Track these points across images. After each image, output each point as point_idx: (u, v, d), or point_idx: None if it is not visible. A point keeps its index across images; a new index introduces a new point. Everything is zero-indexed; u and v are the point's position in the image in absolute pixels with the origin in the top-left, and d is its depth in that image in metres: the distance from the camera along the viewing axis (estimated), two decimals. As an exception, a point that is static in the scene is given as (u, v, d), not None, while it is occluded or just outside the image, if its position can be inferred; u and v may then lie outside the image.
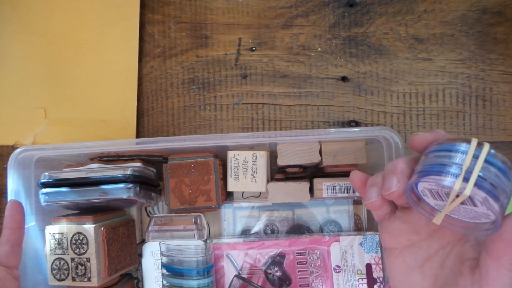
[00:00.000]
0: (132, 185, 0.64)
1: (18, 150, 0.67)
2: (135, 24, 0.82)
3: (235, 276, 0.70)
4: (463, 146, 0.41)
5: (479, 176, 0.39)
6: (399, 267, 0.49)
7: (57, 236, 0.65)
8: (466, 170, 0.39)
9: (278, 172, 0.70)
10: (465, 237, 0.46)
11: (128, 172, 0.64)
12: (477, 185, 0.39)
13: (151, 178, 0.70)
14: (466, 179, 0.39)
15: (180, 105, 0.82)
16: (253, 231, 0.74)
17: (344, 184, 0.66)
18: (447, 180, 0.40)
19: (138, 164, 0.69)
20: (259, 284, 0.70)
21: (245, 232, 0.75)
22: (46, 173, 0.66)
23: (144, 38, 0.83)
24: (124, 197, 0.64)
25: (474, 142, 0.40)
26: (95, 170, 0.66)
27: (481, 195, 0.39)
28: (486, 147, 0.40)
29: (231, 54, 0.82)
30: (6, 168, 0.68)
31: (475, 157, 0.40)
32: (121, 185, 0.64)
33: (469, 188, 0.39)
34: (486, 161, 0.39)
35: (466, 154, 0.40)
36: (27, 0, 0.82)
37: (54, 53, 0.82)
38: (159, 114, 0.82)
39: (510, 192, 0.40)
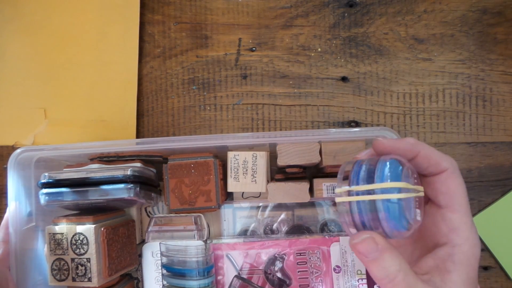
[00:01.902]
0: (132, 185, 0.64)
1: (18, 150, 0.67)
2: (135, 24, 0.82)
3: (235, 276, 0.70)
4: (383, 176, 0.43)
5: (356, 202, 0.44)
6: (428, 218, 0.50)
7: (57, 236, 0.65)
8: (350, 190, 0.44)
9: (278, 172, 0.70)
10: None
11: (128, 172, 0.64)
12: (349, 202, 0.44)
13: (151, 178, 0.70)
14: (350, 194, 0.44)
15: (180, 105, 0.82)
16: (253, 231, 0.74)
17: (344, 184, 0.66)
18: (340, 183, 0.46)
19: (138, 164, 0.69)
20: (259, 284, 0.70)
21: (245, 232, 0.75)
22: (46, 174, 0.66)
23: (144, 38, 0.83)
24: (124, 197, 0.64)
25: (391, 185, 0.42)
26: (95, 170, 0.66)
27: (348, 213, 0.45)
28: (391, 196, 0.42)
29: (231, 54, 0.82)
30: (6, 168, 0.67)
31: (376, 192, 0.43)
32: (121, 185, 0.64)
33: (338, 200, 0.45)
34: (377, 202, 0.43)
35: (372, 182, 0.43)
36: (27, 0, 0.82)
37: (54, 53, 0.82)
38: (159, 114, 0.82)
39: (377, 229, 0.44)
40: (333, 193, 0.66)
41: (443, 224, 0.45)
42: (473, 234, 0.44)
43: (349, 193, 0.44)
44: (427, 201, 0.48)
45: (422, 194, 0.46)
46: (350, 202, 0.44)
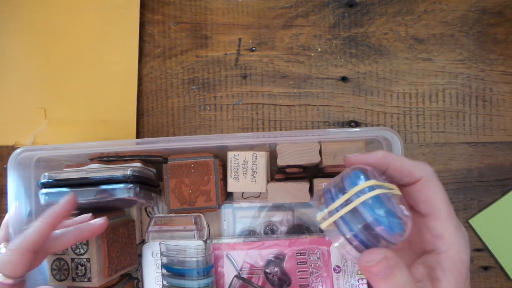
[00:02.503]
0: (132, 185, 0.64)
1: (18, 150, 0.67)
2: (135, 24, 0.82)
3: (235, 276, 0.70)
4: (352, 185, 0.43)
5: (340, 219, 0.43)
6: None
7: (57, 236, 0.65)
8: (330, 210, 0.44)
9: (278, 172, 0.70)
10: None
11: (128, 172, 0.64)
12: (335, 224, 0.43)
13: (151, 178, 0.70)
14: (331, 214, 0.44)
15: (180, 105, 0.82)
16: (253, 231, 0.74)
17: (344, 184, 0.66)
18: (319, 210, 0.45)
19: (138, 164, 0.69)
20: (259, 284, 0.70)
21: (245, 232, 0.75)
22: (46, 173, 0.66)
23: (144, 38, 0.83)
24: (124, 197, 0.64)
25: (360, 186, 0.42)
26: (95, 170, 0.66)
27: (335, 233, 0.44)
28: (363, 197, 0.42)
29: (231, 54, 0.82)
30: (6, 168, 0.67)
31: (352, 199, 0.42)
32: (121, 185, 0.64)
33: (324, 225, 0.44)
34: (358, 207, 0.42)
35: (345, 193, 0.43)
36: (27, 0, 0.82)
37: (54, 53, 0.82)
38: (159, 114, 0.82)
39: (374, 237, 0.42)
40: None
41: (427, 232, 0.45)
42: (458, 240, 0.43)
43: (329, 215, 0.44)
44: (410, 209, 0.48)
45: (397, 192, 0.45)
46: (337, 225, 0.43)
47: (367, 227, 0.42)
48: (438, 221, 0.44)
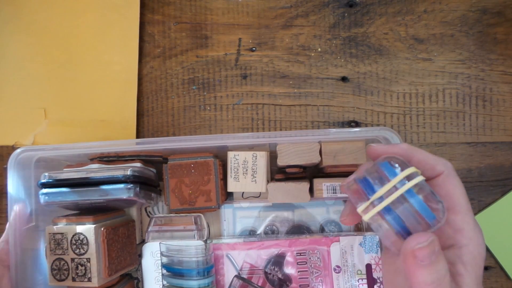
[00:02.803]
0: (132, 185, 0.64)
1: (18, 150, 0.67)
2: (135, 24, 0.82)
3: (235, 276, 0.70)
4: (392, 173, 0.43)
5: (385, 208, 0.43)
6: (388, 267, 0.51)
7: (57, 236, 0.65)
8: (374, 199, 0.44)
9: (278, 172, 0.70)
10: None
11: (128, 172, 0.64)
12: (380, 214, 0.43)
13: (151, 179, 0.70)
14: (373, 205, 0.44)
15: (180, 105, 0.82)
16: (253, 231, 0.74)
17: (344, 184, 0.66)
18: (360, 202, 0.45)
19: (138, 164, 0.69)
20: (259, 284, 0.70)
21: (245, 233, 0.75)
22: (46, 174, 0.66)
23: (144, 38, 0.83)
24: (124, 197, 0.64)
25: (404, 173, 0.43)
26: (95, 170, 0.66)
27: (383, 223, 0.44)
28: (410, 183, 0.42)
29: (231, 54, 0.82)
30: (6, 168, 0.67)
31: (397, 186, 0.42)
32: (121, 186, 0.64)
33: (367, 216, 0.44)
34: (404, 194, 0.42)
35: (387, 182, 0.43)
36: (27, 0, 0.82)
37: (54, 53, 0.82)
38: (159, 114, 0.82)
39: (419, 223, 0.42)
40: (333, 193, 0.66)
41: (447, 227, 0.45)
42: (477, 234, 0.44)
43: (373, 205, 0.44)
44: None
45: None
46: (382, 214, 0.43)
47: (413, 214, 0.42)
48: (459, 215, 0.44)
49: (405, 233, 0.43)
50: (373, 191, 0.44)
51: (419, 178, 0.42)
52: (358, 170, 0.47)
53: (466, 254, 0.43)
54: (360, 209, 0.45)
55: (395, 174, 0.43)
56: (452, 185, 0.45)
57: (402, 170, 0.43)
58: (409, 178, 0.42)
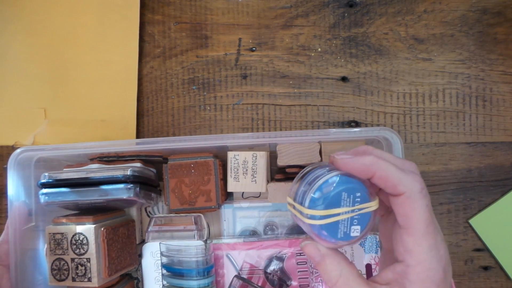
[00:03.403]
0: (132, 185, 0.64)
1: (18, 150, 0.67)
2: (135, 24, 0.82)
3: (235, 276, 0.70)
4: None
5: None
6: (384, 228, 0.53)
7: (57, 236, 0.65)
8: (295, 205, 0.50)
9: (278, 173, 0.70)
10: None
11: (128, 172, 0.64)
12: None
13: (151, 179, 0.70)
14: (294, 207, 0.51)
15: (180, 105, 0.82)
16: (253, 231, 0.74)
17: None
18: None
19: (138, 164, 0.69)
20: (259, 284, 0.70)
21: (245, 233, 0.75)
22: (46, 174, 0.66)
23: (144, 38, 0.83)
24: (124, 197, 0.64)
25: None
26: (95, 170, 0.66)
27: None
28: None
29: (231, 54, 0.82)
30: (6, 168, 0.67)
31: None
32: (121, 186, 0.64)
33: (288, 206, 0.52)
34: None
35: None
36: (27, 0, 0.82)
37: (54, 53, 0.82)
38: (159, 114, 0.82)
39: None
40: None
41: (400, 243, 0.45)
42: (430, 259, 0.43)
43: (294, 207, 0.51)
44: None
45: (373, 208, 0.47)
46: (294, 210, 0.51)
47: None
48: (411, 237, 0.44)
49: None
50: (298, 199, 0.50)
51: (320, 221, 0.46)
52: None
53: (412, 274, 0.43)
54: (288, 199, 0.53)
55: (313, 204, 0.48)
56: (411, 208, 0.44)
57: (341, 200, 0.46)
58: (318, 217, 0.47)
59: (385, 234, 0.52)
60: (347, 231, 0.46)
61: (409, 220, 0.44)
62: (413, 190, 0.44)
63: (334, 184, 0.46)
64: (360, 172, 0.46)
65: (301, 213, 0.48)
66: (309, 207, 0.46)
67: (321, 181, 0.47)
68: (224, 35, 0.82)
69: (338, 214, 0.46)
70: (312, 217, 0.46)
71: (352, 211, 0.46)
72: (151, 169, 0.72)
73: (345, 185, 0.46)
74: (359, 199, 0.46)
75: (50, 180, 0.65)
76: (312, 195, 0.46)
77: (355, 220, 0.46)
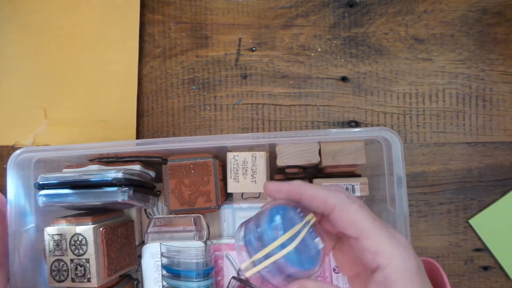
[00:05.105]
0: (126, 188, 0.64)
1: (18, 151, 0.67)
2: (135, 24, 0.82)
3: (233, 277, 0.70)
4: (269, 238, 0.43)
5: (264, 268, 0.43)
6: (344, 263, 0.51)
7: (56, 237, 0.65)
8: (254, 260, 0.44)
9: (278, 173, 0.70)
10: None
11: (120, 175, 0.63)
12: (259, 273, 0.44)
13: (146, 181, 0.70)
14: (254, 264, 0.44)
15: (180, 105, 0.82)
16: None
17: (344, 184, 0.66)
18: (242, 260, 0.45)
19: (137, 167, 0.69)
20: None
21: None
22: (43, 175, 0.66)
23: (144, 38, 0.83)
24: (119, 200, 0.63)
25: (280, 241, 0.43)
26: (89, 172, 0.66)
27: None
28: (286, 250, 0.42)
29: (231, 54, 0.81)
30: (6, 169, 0.68)
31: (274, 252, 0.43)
32: (115, 188, 0.63)
33: (249, 274, 0.44)
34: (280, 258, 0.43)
35: (267, 245, 0.43)
36: (27, 0, 0.82)
37: (54, 53, 0.82)
38: (159, 114, 0.82)
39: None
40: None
41: (366, 252, 0.44)
42: (397, 250, 0.43)
43: (254, 263, 0.44)
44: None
45: (313, 220, 0.46)
46: (260, 272, 0.44)
47: (287, 273, 0.43)
48: (369, 240, 0.43)
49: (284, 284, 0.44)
50: (255, 250, 0.44)
51: (293, 244, 0.43)
52: (252, 220, 0.48)
53: (391, 274, 0.42)
54: (243, 266, 0.45)
55: (272, 237, 0.43)
56: (350, 214, 0.44)
57: (285, 223, 0.44)
58: (288, 242, 0.43)
59: (344, 262, 0.50)
60: (312, 250, 0.44)
61: (356, 225, 0.44)
62: (342, 198, 0.44)
63: (269, 214, 0.45)
64: (289, 194, 0.47)
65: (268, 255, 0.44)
66: (272, 240, 0.43)
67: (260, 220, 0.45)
68: (224, 35, 0.82)
69: (299, 232, 0.44)
70: (282, 246, 0.43)
71: (304, 225, 0.45)
72: (148, 171, 0.72)
73: (281, 211, 0.45)
74: (301, 214, 0.46)
75: (46, 182, 0.65)
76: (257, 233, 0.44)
77: (313, 232, 0.45)
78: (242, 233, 0.46)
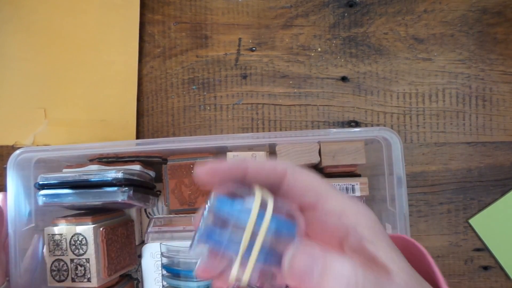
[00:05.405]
0: (126, 188, 0.64)
1: (18, 151, 0.67)
2: (135, 24, 0.82)
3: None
4: (241, 218, 0.36)
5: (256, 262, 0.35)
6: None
7: (56, 237, 0.65)
8: (242, 256, 0.35)
9: (278, 173, 0.70)
10: None
11: (120, 175, 0.63)
12: (254, 271, 0.35)
13: (146, 181, 0.70)
14: (243, 265, 0.35)
15: (180, 105, 0.82)
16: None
17: (344, 184, 0.66)
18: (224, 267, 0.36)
19: (137, 167, 0.69)
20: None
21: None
22: (43, 175, 0.66)
23: (144, 38, 0.83)
24: (119, 200, 0.63)
25: (253, 214, 0.35)
26: (89, 172, 0.66)
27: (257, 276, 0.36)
28: (266, 223, 0.35)
29: (231, 54, 0.81)
30: (6, 168, 0.68)
31: (256, 231, 0.35)
32: (115, 188, 0.63)
33: (245, 280, 0.35)
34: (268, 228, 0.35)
35: (244, 230, 0.35)
36: (27, 0, 0.82)
37: (54, 53, 0.82)
38: (159, 114, 0.82)
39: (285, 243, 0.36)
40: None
41: (331, 217, 0.39)
42: (356, 205, 0.39)
43: (242, 265, 0.35)
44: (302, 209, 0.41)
45: (259, 186, 0.39)
46: (255, 267, 0.36)
47: (277, 252, 0.36)
48: (332, 201, 0.39)
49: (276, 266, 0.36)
50: (233, 249, 0.36)
51: (269, 211, 0.36)
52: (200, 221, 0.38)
53: (364, 231, 0.38)
54: (232, 277, 0.36)
55: (243, 215, 0.36)
56: (304, 177, 0.39)
57: (246, 198, 0.37)
58: (262, 204, 0.36)
59: None
60: (282, 207, 0.37)
61: (314, 187, 0.39)
62: (290, 165, 0.40)
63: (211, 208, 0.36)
64: (231, 172, 0.40)
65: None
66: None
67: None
68: (224, 35, 0.82)
69: (264, 202, 0.36)
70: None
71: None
72: (148, 171, 0.72)
73: (226, 195, 0.37)
74: (247, 189, 0.38)
75: (46, 182, 0.65)
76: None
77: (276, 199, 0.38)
78: (202, 249, 0.36)
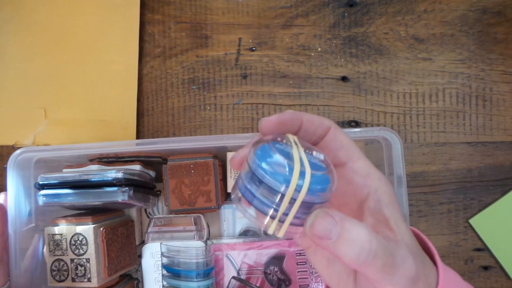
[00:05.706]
0: (126, 188, 0.64)
1: (18, 151, 0.67)
2: (135, 24, 0.82)
3: (233, 277, 0.70)
4: (282, 181, 0.36)
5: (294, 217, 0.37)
6: (320, 263, 0.46)
7: (56, 237, 0.65)
8: (282, 213, 0.36)
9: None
10: None
11: (120, 175, 0.64)
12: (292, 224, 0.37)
13: (146, 181, 0.70)
14: (281, 221, 0.37)
15: (180, 105, 0.82)
16: (252, 231, 0.74)
17: (344, 184, 0.66)
18: (265, 222, 0.37)
19: (137, 166, 0.69)
20: (258, 284, 0.70)
21: (245, 233, 0.75)
22: (43, 175, 0.66)
23: (144, 38, 0.83)
24: (119, 200, 0.63)
25: (295, 180, 0.36)
26: (89, 172, 0.66)
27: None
28: (306, 186, 0.36)
29: (231, 54, 0.81)
30: (6, 168, 0.67)
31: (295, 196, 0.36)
32: (115, 188, 0.63)
33: (281, 233, 0.37)
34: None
35: (283, 190, 0.36)
36: (27, 0, 0.82)
37: (54, 53, 0.82)
38: (159, 114, 0.82)
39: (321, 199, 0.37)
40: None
41: (356, 176, 0.42)
42: (378, 172, 0.43)
43: (281, 219, 0.37)
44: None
45: (295, 137, 0.41)
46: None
47: (312, 207, 0.37)
48: (360, 161, 0.43)
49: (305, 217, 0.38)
50: (271, 206, 0.37)
51: (308, 175, 0.36)
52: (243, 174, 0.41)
53: (383, 195, 0.41)
54: (270, 230, 0.37)
55: (284, 180, 0.36)
56: (343, 135, 0.44)
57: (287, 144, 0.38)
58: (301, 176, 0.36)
59: (320, 261, 0.46)
60: (318, 162, 0.38)
61: (349, 147, 0.43)
62: (333, 122, 0.44)
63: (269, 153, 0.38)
64: (291, 123, 0.43)
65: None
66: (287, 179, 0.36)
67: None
68: (224, 35, 0.82)
69: (301, 159, 0.37)
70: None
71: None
72: (148, 171, 0.72)
73: (268, 149, 0.38)
74: (284, 143, 0.39)
75: (47, 182, 0.65)
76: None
77: (307, 150, 0.39)
78: (243, 204, 0.39)
